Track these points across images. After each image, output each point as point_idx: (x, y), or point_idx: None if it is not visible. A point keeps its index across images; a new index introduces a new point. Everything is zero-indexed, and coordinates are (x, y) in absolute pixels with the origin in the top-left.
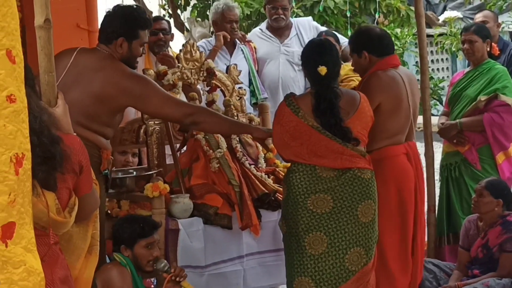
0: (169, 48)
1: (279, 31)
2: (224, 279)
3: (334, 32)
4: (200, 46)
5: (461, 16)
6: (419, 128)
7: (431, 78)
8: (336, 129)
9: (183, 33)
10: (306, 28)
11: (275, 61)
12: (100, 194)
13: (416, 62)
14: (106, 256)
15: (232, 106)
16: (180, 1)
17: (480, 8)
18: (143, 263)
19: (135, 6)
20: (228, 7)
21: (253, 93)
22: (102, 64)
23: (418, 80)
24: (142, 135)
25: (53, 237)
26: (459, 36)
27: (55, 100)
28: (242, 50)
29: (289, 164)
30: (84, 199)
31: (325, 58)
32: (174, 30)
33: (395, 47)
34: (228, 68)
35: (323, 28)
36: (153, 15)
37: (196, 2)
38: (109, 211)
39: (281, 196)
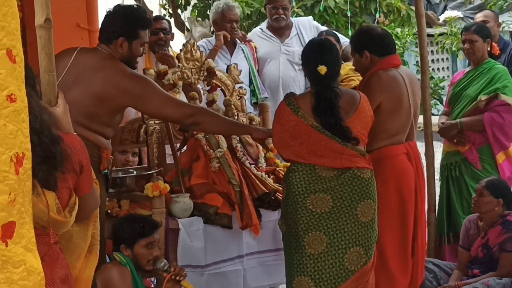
0: (169, 48)
1: (280, 30)
2: (224, 279)
3: (334, 31)
4: (200, 45)
5: (462, 16)
6: (419, 127)
7: (432, 77)
8: (335, 129)
9: (183, 32)
10: (306, 27)
11: (276, 60)
12: (100, 194)
13: (417, 61)
14: (106, 255)
15: (232, 106)
16: (180, 1)
17: (480, 8)
18: (143, 263)
19: (135, 6)
20: (228, 6)
21: (253, 93)
22: (102, 64)
23: (418, 79)
24: (142, 134)
25: (53, 236)
26: (460, 36)
27: (55, 99)
28: (242, 49)
29: (289, 164)
30: (85, 198)
31: (325, 57)
32: (174, 29)
33: (396, 47)
34: (228, 67)
35: (324, 28)
36: (154, 14)
37: (196, 1)
38: (109, 211)
39: (281, 195)
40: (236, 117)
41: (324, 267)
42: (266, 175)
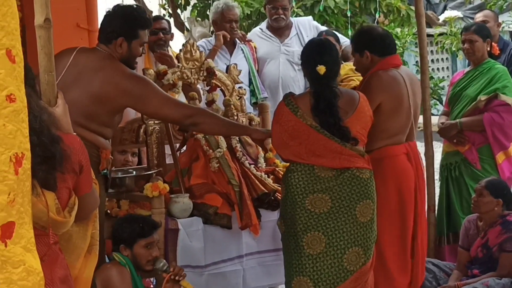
0: (169, 48)
1: (279, 30)
2: (224, 279)
3: (334, 31)
4: (200, 45)
5: (461, 16)
6: (419, 127)
7: (431, 77)
8: (334, 129)
9: (183, 32)
10: (306, 27)
11: (275, 60)
12: (99, 194)
13: (416, 61)
14: (106, 255)
15: (232, 106)
16: (180, 1)
17: (480, 8)
18: (142, 263)
19: (135, 6)
20: (227, 6)
21: (253, 93)
22: (102, 64)
23: (418, 80)
24: (142, 134)
25: (52, 236)
26: (459, 36)
27: (55, 99)
28: (242, 49)
29: (288, 164)
30: (84, 198)
31: (325, 57)
32: (174, 29)
33: (396, 47)
34: (228, 67)
35: (323, 28)
36: (153, 14)
37: (196, 1)
38: (108, 211)
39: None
40: (235, 117)
41: (323, 267)
42: (266, 175)
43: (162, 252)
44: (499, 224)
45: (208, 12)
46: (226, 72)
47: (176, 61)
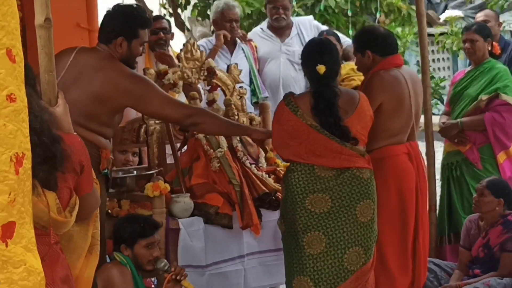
0: (169, 47)
1: (280, 30)
2: (225, 279)
3: (335, 31)
4: (200, 45)
5: (462, 15)
6: (420, 127)
7: (432, 77)
8: (334, 128)
9: (183, 32)
10: (307, 27)
11: (276, 60)
12: (100, 194)
13: (417, 61)
14: (107, 255)
15: (232, 105)
16: (180, 0)
17: (481, 7)
18: (143, 263)
19: (135, 5)
20: (228, 6)
21: (253, 92)
22: (102, 64)
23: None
24: (142, 134)
25: (53, 236)
26: (460, 35)
27: (55, 99)
28: (242, 49)
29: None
30: (85, 198)
31: (325, 57)
32: (174, 29)
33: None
34: (228, 67)
35: (324, 27)
36: (154, 14)
37: (196, 1)
38: (109, 211)
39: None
40: (236, 117)
41: (324, 267)
42: (267, 175)
43: (163, 252)
44: (500, 224)
45: (208, 12)
46: (227, 71)
47: (176, 61)
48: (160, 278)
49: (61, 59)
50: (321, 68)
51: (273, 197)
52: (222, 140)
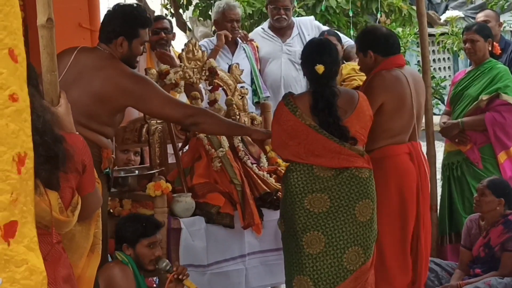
0: (171, 47)
1: (281, 30)
2: (226, 278)
3: (336, 31)
4: (202, 45)
5: (463, 16)
6: (421, 127)
7: (433, 77)
8: (333, 128)
9: (185, 32)
10: (308, 27)
11: (277, 60)
12: (102, 193)
13: (418, 61)
14: (109, 255)
15: (234, 105)
16: (182, 1)
17: (481, 8)
18: (145, 262)
19: (135, 5)
20: (229, 6)
21: (255, 92)
22: (102, 63)
23: None
24: (144, 134)
25: (55, 236)
26: (461, 36)
27: (57, 99)
28: (244, 49)
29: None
30: (87, 198)
31: (324, 57)
32: (176, 29)
33: (400, 47)
34: (230, 67)
35: (325, 28)
36: (156, 14)
37: (198, 1)
38: (111, 210)
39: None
40: (238, 117)
41: (323, 266)
42: (268, 175)
43: (164, 252)
44: (501, 224)
45: (210, 12)
46: (228, 71)
47: (178, 61)
48: (162, 278)
49: (62, 59)
50: (320, 68)
51: (275, 197)
52: (224, 140)
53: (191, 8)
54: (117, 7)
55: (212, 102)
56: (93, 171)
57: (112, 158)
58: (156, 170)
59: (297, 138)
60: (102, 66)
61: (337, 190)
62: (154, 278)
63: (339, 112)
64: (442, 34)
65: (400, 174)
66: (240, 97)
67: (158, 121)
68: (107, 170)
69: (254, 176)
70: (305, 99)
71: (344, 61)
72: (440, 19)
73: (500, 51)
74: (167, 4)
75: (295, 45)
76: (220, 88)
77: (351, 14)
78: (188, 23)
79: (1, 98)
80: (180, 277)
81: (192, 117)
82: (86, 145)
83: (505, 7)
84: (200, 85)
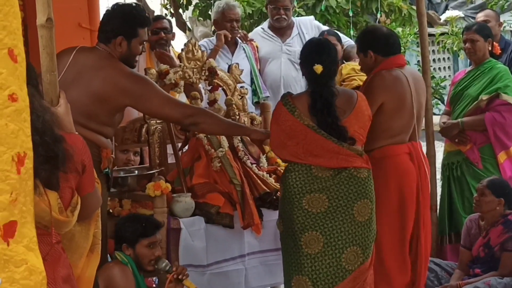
0: (171, 47)
1: (281, 30)
2: (226, 278)
3: (336, 31)
4: (201, 45)
5: (463, 15)
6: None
7: (433, 77)
8: (332, 128)
9: (185, 32)
10: (308, 27)
11: (277, 60)
12: (101, 193)
13: (418, 61)
14: (108, 255)
15: (234, 105)
16: (182, 1)
17: (481, 7)
18: (144, 262)
19: (134, 5)
20: (228, 6)
21: (255, 92)
22: (102, 63)
23: None
24: (144, 134)
25: (55, 236)
26: (461, 36)
27: (57, 99)
28: (244, 49)
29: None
30: (87, 198)
31: (322, 57)
32: (176, 29)
33: (401, 47)
34: (230, 67)
35: (325, 28)
36: (155, 14)
37: (198, 1)
38: (111, 210)
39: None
40: (237, 117)
41: (322, 266)
42: (268, 175)
43: (164, 252)
44: (501, 224)
45: (210, 12)
46: (228, 71)
47: (177, 61)
48: (161, 278)
49: (61, 59)
50: (318, 68)
51: (274, 197)
52: (223, 140)
53: (190, 8)
54: (116, 6)
55: (212, 102)
56: (92, 171)
57: (112, 158)
58: (156, 170)
59: (296, 138)
60: (101, 66)
61: (335, 190)
62: (154, 278)
63: (338, 112)
64: (442, 34)
65: (400, 174)
66: (239, 97)
67: (158, 121)
68: (107, 170)
69: (254, 176)
70: (304, 99)
71: (344, 61)
72: (440, 19)
73: (500, 51)
74: (166, 4)
75: (295, 45)
76: (220, 88)
77: (351, 14)
78: (188, 23)
79: (0, 98)
80: (179, 277)
81: (191, 117)
82: (86, 145)
83: (505, 7)
84: (200, 85)
